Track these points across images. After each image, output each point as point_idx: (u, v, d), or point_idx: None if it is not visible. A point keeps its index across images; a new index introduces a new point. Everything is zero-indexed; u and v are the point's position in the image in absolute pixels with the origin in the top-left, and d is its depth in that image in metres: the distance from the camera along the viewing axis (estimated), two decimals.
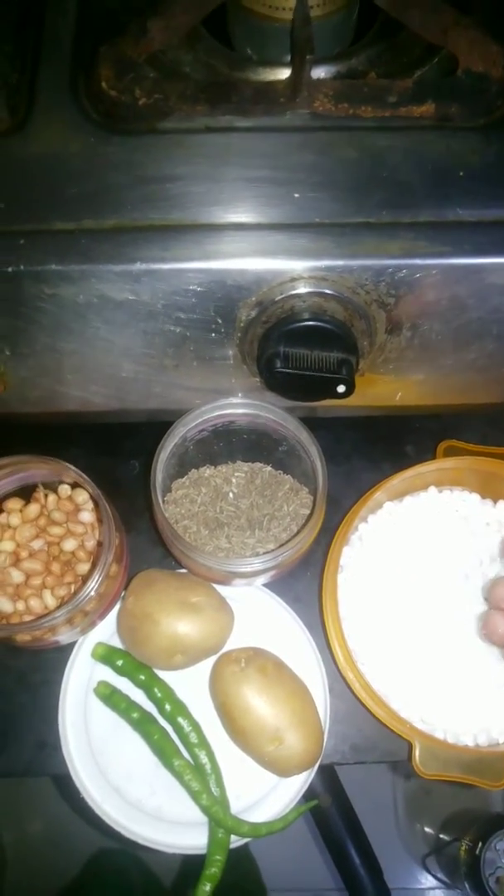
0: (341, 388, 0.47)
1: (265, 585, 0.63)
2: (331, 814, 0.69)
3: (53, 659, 0.62)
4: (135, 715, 0.58)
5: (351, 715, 0.61)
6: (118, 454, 0.70)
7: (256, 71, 0.54)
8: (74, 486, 0.60)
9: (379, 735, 0.60)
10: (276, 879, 1.13)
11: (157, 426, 0.56)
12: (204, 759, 0.57)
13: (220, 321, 0.48)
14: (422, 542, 0.61)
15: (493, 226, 0.46)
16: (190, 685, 0.60)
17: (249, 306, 0.47)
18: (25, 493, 0.60)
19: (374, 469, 0.69)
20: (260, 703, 0.54)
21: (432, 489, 0.63)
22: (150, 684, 0.59)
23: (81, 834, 1.02)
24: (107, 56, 0.50)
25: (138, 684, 0.59)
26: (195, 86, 0.50)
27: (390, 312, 0.47)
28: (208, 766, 0.57)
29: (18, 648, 0.60)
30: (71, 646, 0.61)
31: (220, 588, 0.60)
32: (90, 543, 0.59)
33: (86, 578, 0.54)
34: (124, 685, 0.60)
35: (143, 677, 0.59)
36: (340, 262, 0.45)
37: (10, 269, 0.44)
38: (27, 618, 0.56)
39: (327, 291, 0.45)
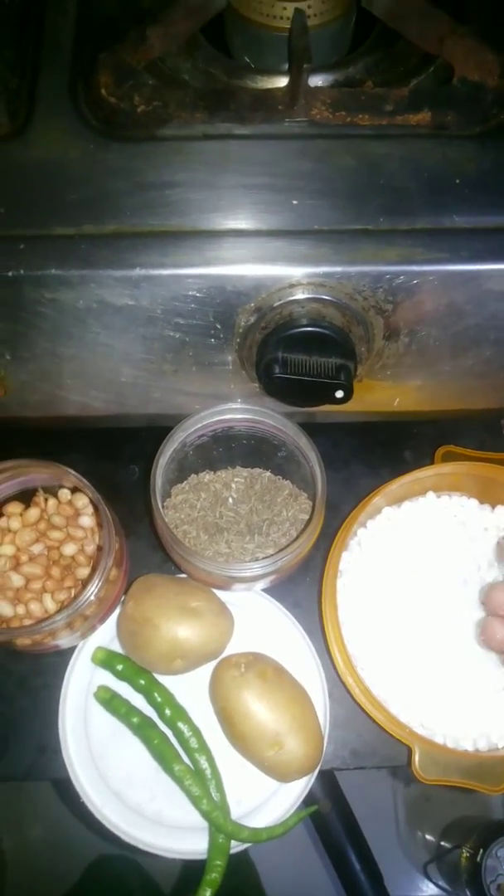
0: (340, 394, 0.48)
1: (265, 590, 0.63)
2: (331, 819, 0.69)
3: (54, 663, 0.62)
4: (135, 719, 0.58)
5: (351, 720, 0.61)
6: (118, 459, 0.70)
7: (255, 79, 0.55)
8: (74, 490, 0.60)
9: (379, 740, 0.60)
10: (276, 886, 1.13)
11: (156, 431, 0.56)
12: (204, 763, 0.57)
13: (219, 327, 0.48)
14: (420, 547, 0.61)
15: (490, 233, 0.46)
16: (190, 690, 0.60)
17: (248, 312, 0.47)
18: (25, 497, 0.60)
19: (372, 474, 0.69)
20: (260, 708, 0.54)
21: (431, 494, 0.63)
22: (150, 689, 0.59)
23: (81, 839, 1.02)
24: (106, 63, 0.51)
25: (138, 689, 0.59)
26: (194, 93, 0.51)
27: (388, 318, 0.47)
28: (208, 771, 0.57)
29: (19, 652, 0.60)
30: (71, 650, 0.61)
31: (219, 593, 0.60)
32: (90, 548, 0.59)
33: (86, 583, 0.54)
34: (124, 690, 0.60)
35: (143, 682, 0.59)
36: (338, 269, 0.45)
37: (10, 274, 0.44)
38: (27, 622, 0.56)
39: (325, 297, 0.46)
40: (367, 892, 0.69)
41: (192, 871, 0.61)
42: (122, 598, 0.59)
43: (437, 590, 0.60)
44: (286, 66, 0.54)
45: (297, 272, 0.45)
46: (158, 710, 0.59)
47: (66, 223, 0.46)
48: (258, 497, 0.62)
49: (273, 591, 0.63)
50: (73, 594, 0.57)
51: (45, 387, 0.53)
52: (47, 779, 0.61)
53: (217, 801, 0.57)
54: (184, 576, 0.61)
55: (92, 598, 0.52)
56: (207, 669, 0.59)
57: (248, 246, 0.46)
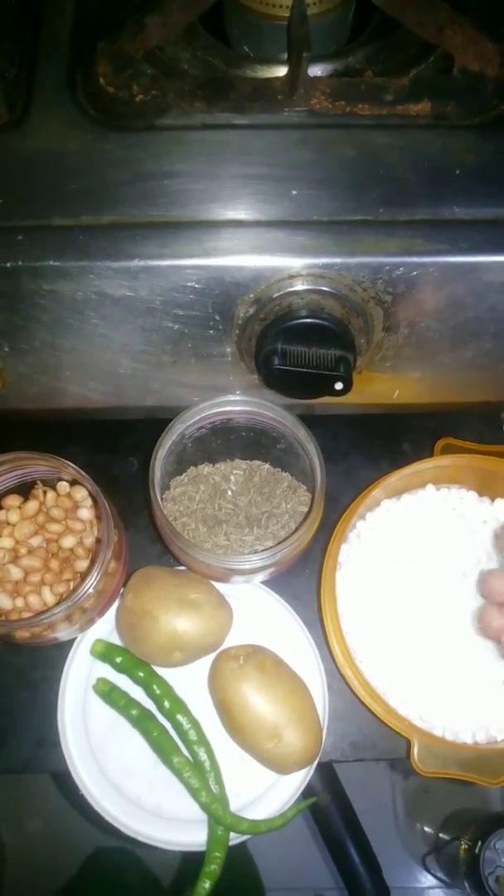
0: (339, 386, 0.48)
1: (264, 583, 0.63)
2: (330, 812, 0.69)
3: (52, 656, 0.62)
4: (134, 712, 0.58)
5: (350, 712, 0.61)
6: (117, 451, 0.70)
7: (254, 68, 0.54)
8: (73, 483, 0.60)
9: (378, 732, 0.60)
10: (275, 878, 1.14)
11: (155, 423, 0.56)
12: (203, 756, 0.57)
13: (217, 318, 0.48)
14: (419, 539, 0.61)
15: (490, 224, 0.46)
16: (189, 682, 0.60)
17: (247, 303, 0.47)
18: (24, 489, 0.60)
19: (371, 467, 0.69)
20: (259, 700, 0.54)
21: (430, 487, 0.63)
22: (149, 681, 0.59)
23: (80, 831, 1.03)
24: (104, 52, 0.50)
25: (137, 681, 0.59)
26: (193, 83, 0.50)
27: (387, 310, 0.47)
28: (207, 763, 0.57)
29: (17, 645, 0.60)
30: (70, 643, 0.61)
31: (218, 585, 0.60)
32: (89, 540, 0.59)
33: (84, 575, 0.54)
34: (123, 682, 0.60)
35: (142, 674, 0.59)
36: (338, 260, 0.45)
37: (8, 265, 0.44)
38: (26, 614, 0.56)
39: (325, 289, 0.46)
40: (365, 884, 0.69)
41: (190, 864, 0.62)
42: (121, 591, 0.59)
43: (437, 582, 0.60)
44: (285, 56, 0.54)
45: (296, 263, 0.45)
46: (157, 702, 0.59)
47: (65, 214, 0.45)
48: (257, 489, 0.62)
49: (272, 583, 0.63)
50: (71, 587, 0.57)
51: (44, 379, 0.53)
52: (46, 771, 0.61)
53: (216, 793, 0.57)
54: (182, 568, 0.61)
55: (91, 590, 0.52)
56: (206, 662, 0.59)
57: (247, 236, 0.45)
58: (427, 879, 1.25)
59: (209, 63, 0.55)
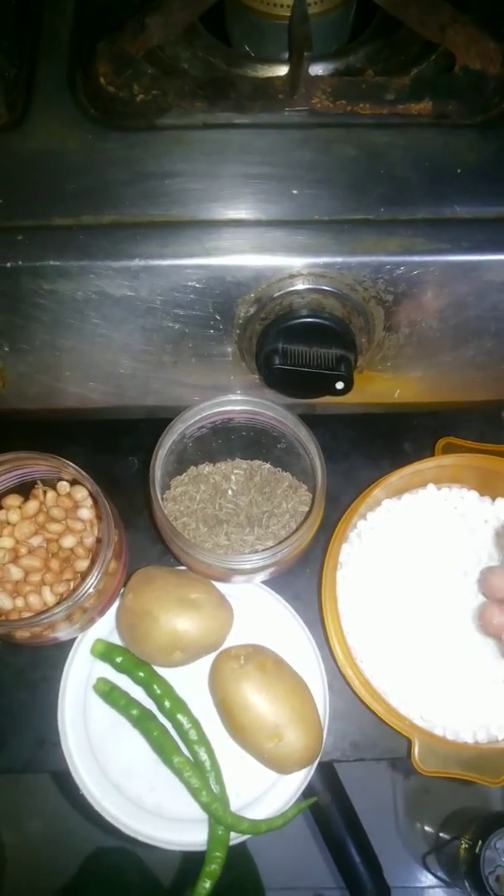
0: (340, 385, 0.47)
1: (264, 583, 0.63)
2: (330, 811, 0.69)
3: (53, 656, 0.62)
4: (134, 712, 0.58)
5: (350, 712, 0.61)
6: (117, 451, 0.70)
7: (254, 68, 0.54)
8: (73, 482, 0.60)
9: (378, 732, 0.60)
10: (276, 878, 1.14)
11: (155, 423, 0.56)
12: (203, 755, 0.57)
13: (218, 318, 0.48)
14: (420, 539, 0.61)
15: (491, 223, 0.46)
16: (189, 682, 0.60)
17: (248, 303, 0.47)
18: (24, 489, 0.60)
19: (372, 466, 0.69)
20: (259, 700, 0.54)
21: (431, 486, 0.63)
22: (150, 681, 0.59)
23: (81, 831, 1.02)
24: (105, 52, 0.50)
25: (137, 681, 0.59)
26: (193, 82, 0.50)
27: (388, 309, 0.47)
28: (208, 763, 0.57)
29: (18, 645, 0.60)
30: (70, 642, 0.61)
31: (219, 585, 0.60)
32: (89, 540, 0.59)
33: (85, 575, 0.54)
34: (124, 682, 0.60)
35: (142, 674, 0.59)
36: (339, 259, 0.45)
37: (8, 265, 0.44)
38: (26, 614, 0.56)
39: (326, 288, 0.45)
40: (366, 884, 0.69)
41: (191, 863, 0.62)
42: (122, 591, 0.59)
43: (438, 582, 0.60)
44: (286, 55, 0.54)
45: (297, 262, 0.45)
46: (158, 702, 0.58)
47: (65, 214, 0.45)
48: (258, 489, 0.62)
49: (273, 582, 0.63)
50: (72, 587, 0.57)
51: (44, 379, 0.53)
52: (46, 771, 0.61)
53: (216, 793, 0.57)
54: (183, 568, 0.61)
55: (91, 590, 0.52)
56: (207, 661, 0.59)
57: (248, 236, 0.45)
58: (427, 879, 1.25)
59: (210, 63, 0.55)
